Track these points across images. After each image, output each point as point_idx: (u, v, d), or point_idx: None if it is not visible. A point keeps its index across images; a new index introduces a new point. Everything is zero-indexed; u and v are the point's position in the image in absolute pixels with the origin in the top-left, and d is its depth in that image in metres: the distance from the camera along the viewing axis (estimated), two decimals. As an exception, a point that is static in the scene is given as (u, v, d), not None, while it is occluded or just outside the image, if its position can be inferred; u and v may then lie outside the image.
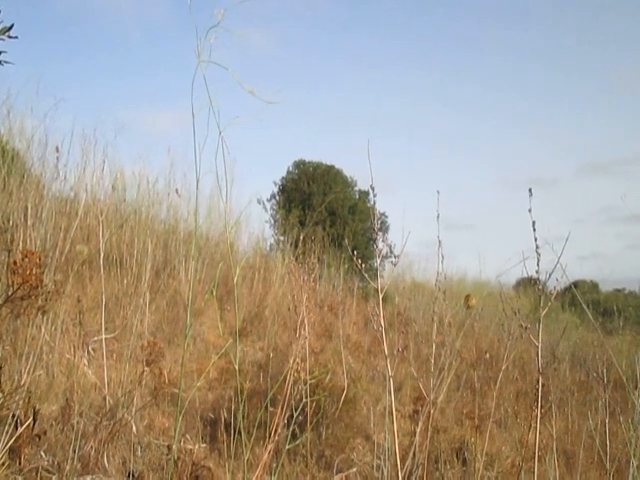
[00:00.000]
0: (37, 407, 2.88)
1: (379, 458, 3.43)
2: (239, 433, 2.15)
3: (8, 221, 4.58)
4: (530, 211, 2.12)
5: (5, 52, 1.87)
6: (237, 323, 2.19)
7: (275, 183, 12.16)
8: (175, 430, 2.48)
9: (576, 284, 13.14)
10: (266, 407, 3.03)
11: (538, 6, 22.76)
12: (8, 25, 1.81)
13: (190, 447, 3.51)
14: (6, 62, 1.89)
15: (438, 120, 22.69)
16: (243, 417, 2.35)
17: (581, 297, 3.94)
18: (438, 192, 2.55)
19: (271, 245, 10.58)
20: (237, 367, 2.12)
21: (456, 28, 22.71)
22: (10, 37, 1.83)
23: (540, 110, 23.18)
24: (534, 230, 2.11)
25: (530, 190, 2.10)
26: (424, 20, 22.18)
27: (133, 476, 3.07)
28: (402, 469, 2.48)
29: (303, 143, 22.21)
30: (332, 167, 12.16)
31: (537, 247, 2.11)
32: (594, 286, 15.19)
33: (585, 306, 3.41)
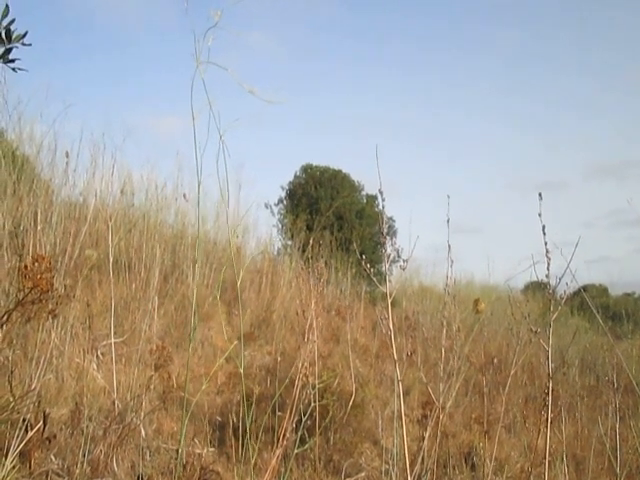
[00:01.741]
0: (47, 411, 2.89)
1: (387, 463, 3.43)
2: (248, 437, 2.16)
3: (19, 226, 4.62)
4: (540, 215, 2.11)
5: (19, 59, 1.90)
6: (241, 326, 2.18)
7: (282, 187, 12.20)
8: (181, 433, 2.48)
9: (585, 288, 13.05)
10: (274, 411, 3.04)
11: (543, 7, 22.72)
12: (22, 32, 1.84)
13: (199, 451, 3.52)
14: (20, 69, 1.92)
15: (444, 123, 22.65)
16: (251, 421, 2.35)
17: (590, 301, 3.91)
18: (448, 197, 2.55)
19: (279, 249, 10.60)
20: (242, 371, 2.12)
21: (461, 31, 22.73)
22: (24, 44, 1.86)
23: (547, 113, 23.10)
24: (544, 234, 2.10)
25: (540, 195, 2.10)
26: (428, 23, 22.21)
27: (142, 480, 3.08)
28: (411, 474, 2.47)
29: (310, 147, 22.25)
30: (339, 171, 12.17)
31: (547, 251, 2.11)
32: (603, 290, 15.09)
33: (594, 310, 3.38)
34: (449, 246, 2.68)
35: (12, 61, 1.90)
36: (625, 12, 21.57)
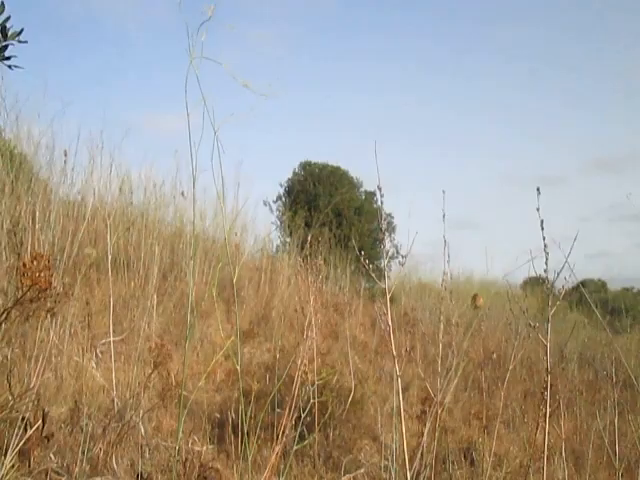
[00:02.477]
0: (46, 409, 2.89)
1: (387, 459, 3.43)
2: (247, 434, 2.16)
3: (17, 225, 4.61)
4: (538, 210, 2.11)
5: (15, 57, 1.90)
6: (237, 321, 2.19)
7: (281, 185, 12.20)
8: (178, 430, 2.49)
9: (584, 283, 13.06)
10: (273, 408, 3.04)
11: (544, 4, 22.70)
12: (18, 30, 1.84)
13: (198, 448, 3.52)
14: (16, 67, 1.92)
15: (441, 119, 22.64)
16: (251, 418, 2.35)
17: (589, 296, 3.92)
18: (444, 192, 2.55)
19: (277, 247, 10.60)
20: (240, 368, 2.12)
21: (459, 28, 22.67)
22: (20, 42, 1.86)
23: (545, 109, 23.08)
24: (542, 229, 2.10)
25: (538, 189, 2.10)
26: (427, 20, 22.18)
27: (142, 477, 3.07)
28: (410, 470, 2.48)
29: (309, 145, 22.23)
30: (338, 168, 12.17)
31: (545, 246, 2.11)
32: (602, 285, 15.11)
33: (593, 305, 3.39)
34: (445, 241, 2.69)
35: (8, 58, 1.90)
36: (625, 11, 21.54)
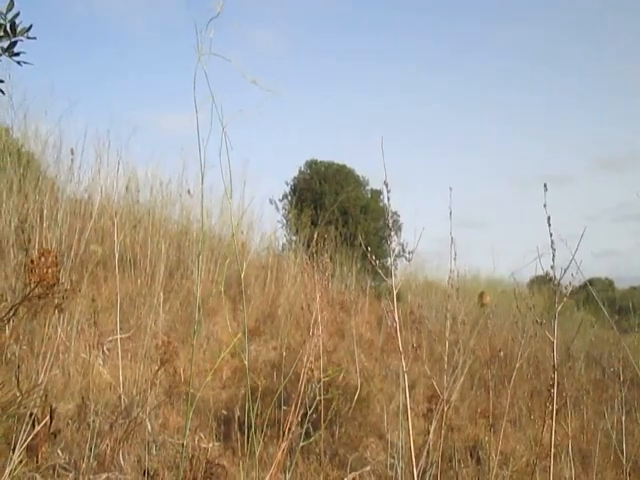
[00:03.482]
0: (54, 406, 2.91)
1: (393, 457, 3.43)
2: (253, 431, 2.16)
3: (25, 222, 4.64)
4: (545, 206, 2.10)
5: (24, 53, 1.91)
6: (244, 318, 2.18)
7: (287, 183, 12.19)
8: (185, 427, 2.49)
9: (591, 282, 12.99)
10: (279, 405, 3.04)
11: (544, 4, 22.60)
12: (27, 26, 1.84)
13: (204, 445, 3.53)
14: (25, 63, 1.93)
15: (441, 119, 22.61)
16: (257, 416, 2.35)
17: (596, 295, 3.90)
18: (451, 189, 2.54)
19: (283, 245, 10.60)
20: (247, 364, 2.12)
21: (459, 28, 22.64)
22: (29, 38, 1.87)
23: (545, 108, 22.99)
24: (549, 225, 2.09)
25: (545, 185, 2.09)
26: (430, 20, 22.16)
27: (148, 474, 3.09)
28: (416, 468, 2.47)
29: (310, 144, 22.23)
30: (344, 166, 12.14)
31: (552, 242, 2.10)
32: (609, 284, 15.05)
33: (600, 304, 3.37)
34: (452, 239, 2.68)
35: (17, 54, 1.90)
36: (625, 11, 21.42)
